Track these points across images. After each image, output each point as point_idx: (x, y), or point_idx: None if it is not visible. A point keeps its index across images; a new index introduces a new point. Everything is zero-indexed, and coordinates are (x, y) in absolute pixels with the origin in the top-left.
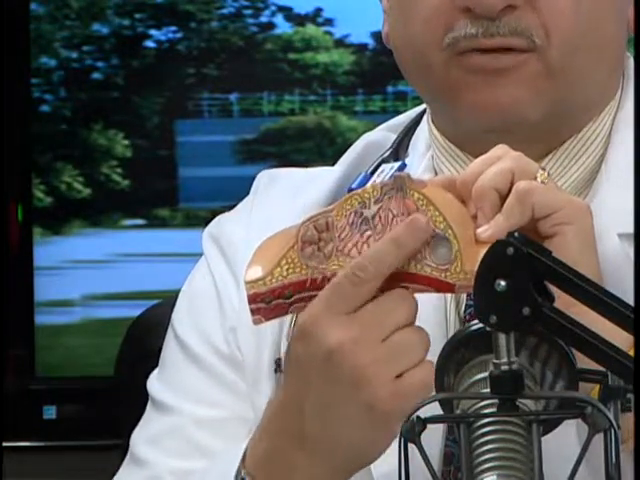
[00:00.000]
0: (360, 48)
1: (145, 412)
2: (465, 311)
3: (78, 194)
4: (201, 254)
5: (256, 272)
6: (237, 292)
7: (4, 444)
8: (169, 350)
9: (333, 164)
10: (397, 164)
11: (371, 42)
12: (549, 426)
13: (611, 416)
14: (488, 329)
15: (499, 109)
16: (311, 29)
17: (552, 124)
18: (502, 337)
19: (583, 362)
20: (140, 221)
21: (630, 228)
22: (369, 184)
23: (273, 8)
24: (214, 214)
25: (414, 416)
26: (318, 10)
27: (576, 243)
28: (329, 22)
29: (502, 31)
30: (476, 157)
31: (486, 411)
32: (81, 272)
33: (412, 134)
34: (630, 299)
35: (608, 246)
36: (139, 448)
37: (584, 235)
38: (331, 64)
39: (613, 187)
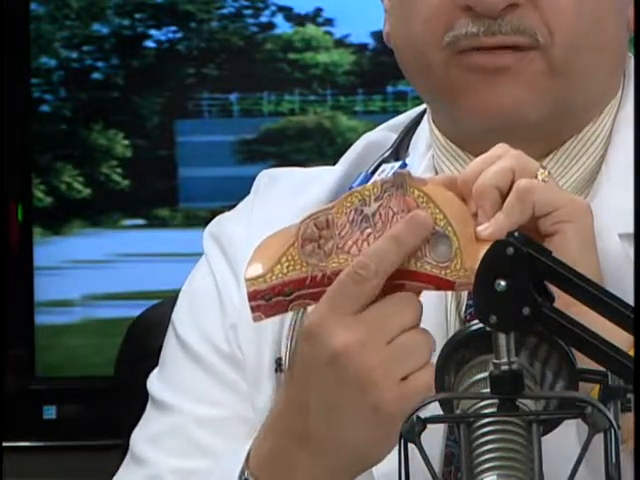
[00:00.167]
0: (360, 48)
1: (145, 411)
2: (466, 311)
3: (78, 194)
4: (201, 254)
5: (256, 269)
6: (238, 291)
7: (4, 444)
8: (169, 349)
9: (333, 164)
10: (398, 164)
11: (371, 42)
12: (549, 426)
13: (611, 416)
14: (488, 329)
15: (499, 110)
16: (311, 29)
17: (553, 124)
18: (502, 337)
19: (583, 362)
20: (140, 221)
21: (630, 228)
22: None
23: (273, 8)
24: (214, 214)
25: (414, 416)
26: (318, 10)
27: (576, 241)
28: (329, 22)
29: (504, 30)
30: (477, 157)
31: (486, 411)
32: (81, 272)
33: (412, 134)
34: (630, 299)
35: (608, 246)
36: (139, 447)
37: (584, 234)
38: (331, 64)
39: (613, 187)
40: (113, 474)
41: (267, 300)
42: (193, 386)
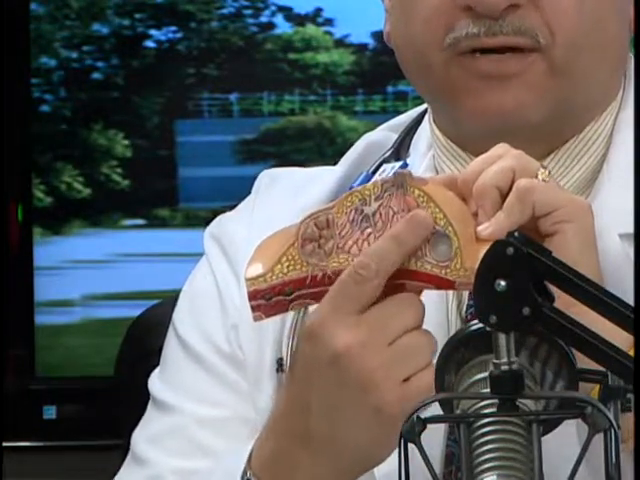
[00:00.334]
0: (360, 48)
1: (146, 411)
2: (467, 311)
3: (78, 194)
4: (201, 254)
5: (256, 269)
6: (239, 291)
7: (4, 444)
8: (170, 349)
9: (333, 164)
10: (398, 164)
11: (371, 42)
12: (549, 426)
13: (611, 416)
14: (488, 329)
15: (500, 111)
16: (311, 29)
17: (554, 124)
18: (502, 337)
19: (583, 362)
20: (140, 221)
21: (631, 228)
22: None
23: (273, 8)
24: (214, 214)
25: (414, 416)
26: (318, 10)
27: (576, 241)
28: (329, 22)
29: (505, 30)
30: (477, 157)
31: (486, 411)
32: (81, 272)
33: (413, 134)
34: (630, 299)
35: (609, 246)
36: (140, 447)
37: (585, 233)
38: (331, 64)
39: (614, 187)
40: (113, 474)
41: (267, 300)
42: (194, 386)
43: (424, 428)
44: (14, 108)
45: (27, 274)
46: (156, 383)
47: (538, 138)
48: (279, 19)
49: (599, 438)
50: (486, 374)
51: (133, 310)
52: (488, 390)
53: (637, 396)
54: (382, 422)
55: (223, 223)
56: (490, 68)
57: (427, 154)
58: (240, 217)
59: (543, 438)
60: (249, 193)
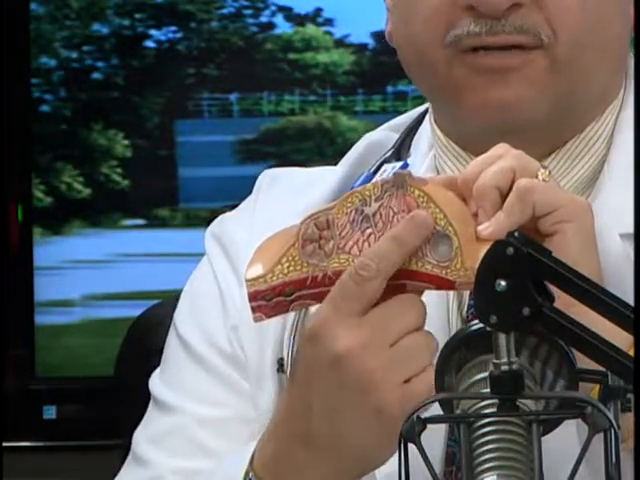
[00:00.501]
0: (360, 48)
1: (147, 411)
2: (467, 311)
3: (78, 194)
4: (201, 254)
5: (257, 270)
6: (239, 291)
7: (4, 444)
8: (171, 349)
9: (334, 164)
10: (399, 164)
11: (371, 42)
12: (549, 426)
13: (611, 416)
14: (488, 329)
15: (501, 106)
16: (311, 29)
17: (555, 123)
18: (502, 337)
19: (583, 362)
20: (140, 221)
21: (631, 228)
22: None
23: (273, 8)
24: (214, 214)
25: (414, 416)
26: (318, 10)
27: (576, 241)
28: (329, 22)
29: (507, 29)
30: (478, 156)
31: (486, 411)
32: (81, 272)
33: (414, 134)
34: (630, 299)
35: (609, 246)
36: (141, 447)
37: (585, 233)
38: (331, 64)
39: (615, 187)
40: (113, 474)
41: (268, 300)
42: (195, 386)
43: (424, 428)
44: (14, 108)
45: (27, 274)
46: (157, 383)
47: (539, 138)
48: (279, 19)
49: (599, 438)
50: (486, 374)
51: (133, 310)
52: (488, 390)
53: (637, 396)
54: (383, 423)
55: (224, 223)
56: (492, 62)
57: (428, 154)
58: (241, 217)
59: (543, 438)
60: (249, 193)
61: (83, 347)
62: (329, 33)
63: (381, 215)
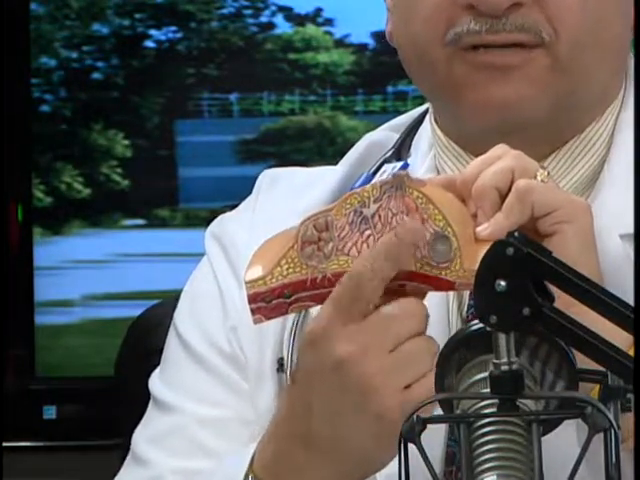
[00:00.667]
0: (360, 48)
1: (147, 411)
2: (467, 311)
3: (78, 194)
4: (201, 254)
5: (256, 272)
6: (239, 292)
7: (4, 444)
8: (171, 349)
9: (334, 164)
10: (399, 164)
11: (371, 42)
12: (549, 426)
13: (611, 416)
14: (488, 329)
15: (502, 104)
16: (311, 29)
17: (555, 123)
18: (502, 337)
19: (583, 362)
20: (140, 221)
21: (632, 229)
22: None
23: (273, 8)
24: (214, 214)
25: (414, 416)
26: (318, 10)
27: (575, 242)
28: (329, 22)
29: (508, 28)
30: (478, 156)
31: (486, 411)
32: (81, 272)
33: (414, 134)
34: (630, 299)
35: (609, 246)
36: (141, 447)
37: (584, 234)
38: (331, 64)
39: (615, 188)
40: (113, 474)
41: (267, 302)
42: (195, 386)
43: (424, 428)
44: (14, 108)
45: (27, 274)
46: (157, 383)
47: (539, 138)
48: (279, 19)
49: (599, 438)
50: (486, 374)
51: (133, 310)
52: (488, 390)
53: (637, 396)
54: (383, 427)
55: (224, 223)
56: (493, 59)
57: (428, 154)
58: (241, 217)
59: (543, 438)
60: (249, 193)
61: (83, 347)
62: (329, 33)
63: (380, 216)
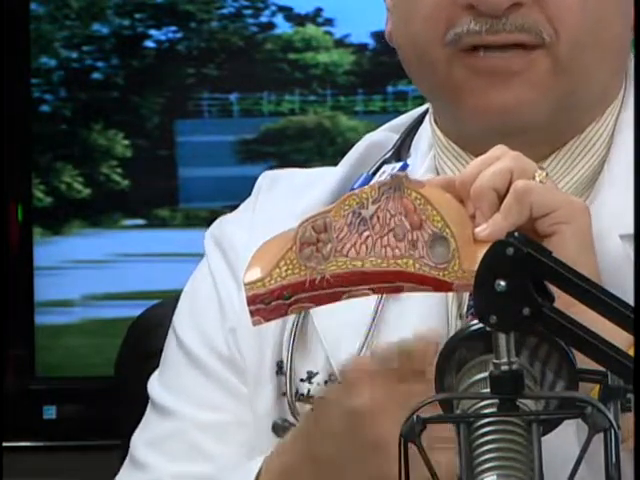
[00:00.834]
0: (360, 48)
1: (145, 415)
2: (467, 311)
3: (78, 194)
4: (201, 254)
5: (255, 274)
6: (238, 294)
7: (4, 444)
8: (170, 352)
9: (334, 164)
10: (399, 164)
11: (371, 42)
12: (549, 426)
13: (611, 416)
14: (488, 329)
15: (502, 109)
16: (311, 29)
17: (556, 124)
18: (502, 337)
19: (583, 362)
20: (140, 221)
21: (632, 229)
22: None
23: (273, 8)
24: (214, 214)
25: (414, 416)
26: (318, 10)
27: (574, 242)
28: (329, 22)
29: (508, 28)
30: (478, 157)
31: (486, 411)
32: (81, 272)
33: (414, 134)
34: (631, 299)
35: (609, 247)
36: (139, 451)
37: (582, 234)
38: (331, 64)
39: (615, 188)
40: (113, 474)
41: (266, 304)
42: (193, 390)
43: (424, 428)
44: (14, 108)
45: (27, 274)
46: (155, 387)
47: (539, 139)
48: (279, 19)
49: (599, 438)
50: (486, 374)
51: (133, 310)
52: (488, 390)
53: (637, 396)
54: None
55: (224, 225)
56: (493, 65)
57: (428, 154)
58: (241, 219)
59: (543, 438)
60: (249, 193)
61: (83, 347)
62: (329, 33)
63: (378, 218)
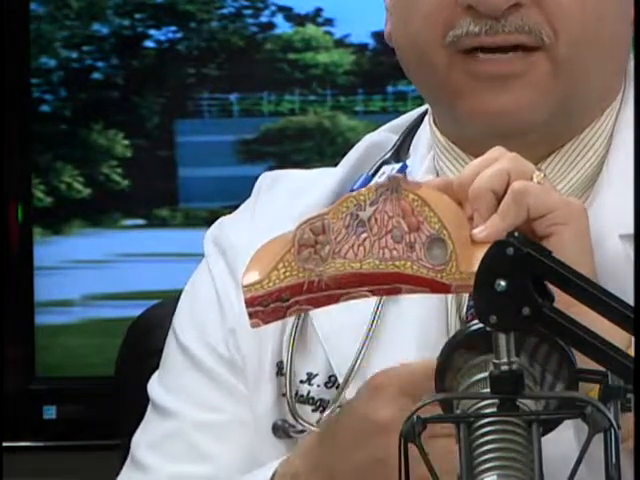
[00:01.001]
0: (360, 48)
1: (146, 415)
2: (466, 312)
3: (78, 194)
4: (201, 254)
5: (253, 276)
6: (237, 295)
7: (4, 444)
8: (170, 353)
9: (334, 164)
10: (398, 165)
11: (371, 42)
12: (549, 426)
13: (611, 416)
14: (488, 329)
15: (501, 112)
16: (311, 29)
17: (555, 126)
18: (502, 337)
19: (583, 362)
20: (140, 221)
21: (631, 229)
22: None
23: (273, 8)
24: (214, 214)
25: (414, 416)
26: (318, 10)
27: (572, 243)
28: (329, 22)
29: (507, 29)
30: (478, 157)
31: (486, 411)
32: (81, 272)
33: (414, 135)
34: (631, 299)
35: (609, 247)
36: (140, 452)
37: (580, 235)
38: (331, 64)
39: (614, 188)
40: (113, 474)
41: (265, 306)
42: (193, 391)
43: (424, 428)
44: (14, 108)
45: (27, 274)
46: (155, 387)
47: (538, 140)
48: (279, 19)
49: (599, 438)
50: (486, 374)
51: (133, 310)
52: (488, 390)
53: (637, 396)
54: None
55: (223, 226)
56: (492, 69)
57: (427, 155)
58: (240, 220)
59: (543, 438)
60: (249, 193)
61: (83, 347)
62: (329, 33)
63: (376, 219)
